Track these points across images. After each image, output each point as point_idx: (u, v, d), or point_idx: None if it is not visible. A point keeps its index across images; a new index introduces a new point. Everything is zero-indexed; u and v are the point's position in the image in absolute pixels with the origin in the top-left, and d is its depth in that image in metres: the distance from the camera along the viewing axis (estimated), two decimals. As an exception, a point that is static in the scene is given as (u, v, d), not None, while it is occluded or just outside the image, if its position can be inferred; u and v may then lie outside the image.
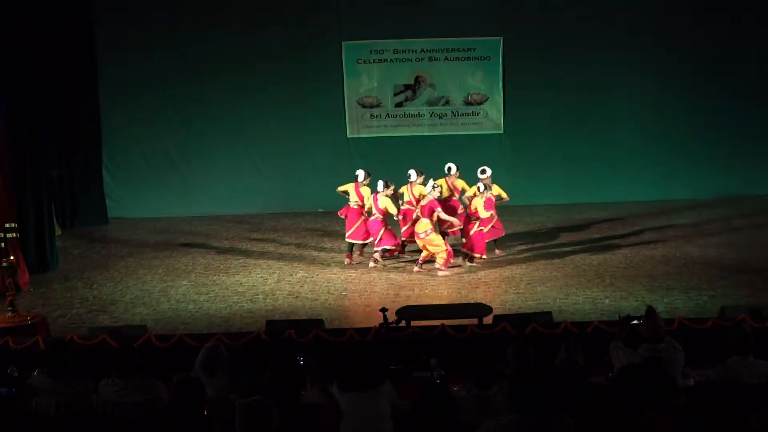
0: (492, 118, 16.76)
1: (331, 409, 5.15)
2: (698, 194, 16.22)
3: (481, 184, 11.89)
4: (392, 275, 11.64)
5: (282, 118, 16.48)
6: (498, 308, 9.21)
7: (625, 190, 16.42)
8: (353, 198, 12.24)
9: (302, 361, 5.54)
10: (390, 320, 7.98)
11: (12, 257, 9.63)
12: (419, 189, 11.94)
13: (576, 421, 4.36)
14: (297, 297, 10.76)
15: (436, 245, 11.45)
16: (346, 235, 12.34)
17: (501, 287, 10.92)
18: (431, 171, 12.23)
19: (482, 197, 11.70)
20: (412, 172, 12.14)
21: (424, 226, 11.44)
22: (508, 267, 11.76)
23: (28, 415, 5.37)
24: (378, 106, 16.76)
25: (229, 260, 12.80)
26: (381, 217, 11.84)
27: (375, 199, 11.84)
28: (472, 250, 11.79)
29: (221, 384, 5.43)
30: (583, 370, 5.87)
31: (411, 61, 16.66)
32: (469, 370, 5.40)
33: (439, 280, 11.24)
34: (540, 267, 11.84)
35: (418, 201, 11.79)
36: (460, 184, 12.47)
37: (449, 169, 12.41)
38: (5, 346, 7.91)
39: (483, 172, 12.13)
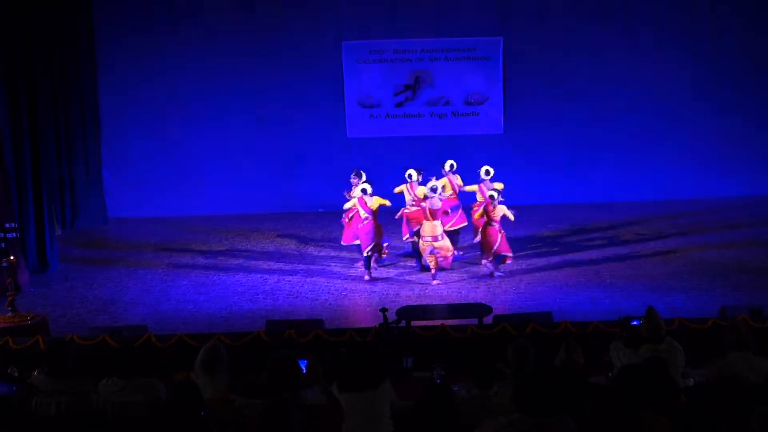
0: (492, 118, 16.76)
1: (333, 410, 5.15)
2: (698, 194, 16.21)
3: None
4: (392, 275, 11.64)
5: (282, 117, 16.47)
6: (498, 308, 9.21)
7: (625, 190, 16.41)
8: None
9: (307, 362, 5.54)
10: (390, 320, 7.99)
11: (12, 257, 9.63)
12: (422, 190, 11.63)
13: (576, 421, 4.36)
14: (297, 297, 10.77)
15: (447, 247, 11.33)
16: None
17: (501, 287, 10.92)
18: (431, 171, 12.21)
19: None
20: (413, 172, 12.05)
21: (438, 229, 11.17)
22: (508, 267, 11.75)
23: (28, 415, 5.37)
24: (378, 106, 16.76)
25: (229, 260, 12.80)
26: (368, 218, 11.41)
27: (362, 203, 11.38)
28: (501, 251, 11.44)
29: (221, 384, 5.42)
30: (583, 370, 5.87)
31: (411, 61, 16.65)
32: (469, 370, 5.40)
33: (439, 280, 11.23)
34: (540, 267, 11.85)
35: (420, 201, 11.58)
36: (458, 180, 12.44)
37: (451, 166, 12.34)
38: (5, 346, 7.92)
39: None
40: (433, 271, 11.22)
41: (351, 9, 16.21)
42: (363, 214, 11.34)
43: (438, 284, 11.07)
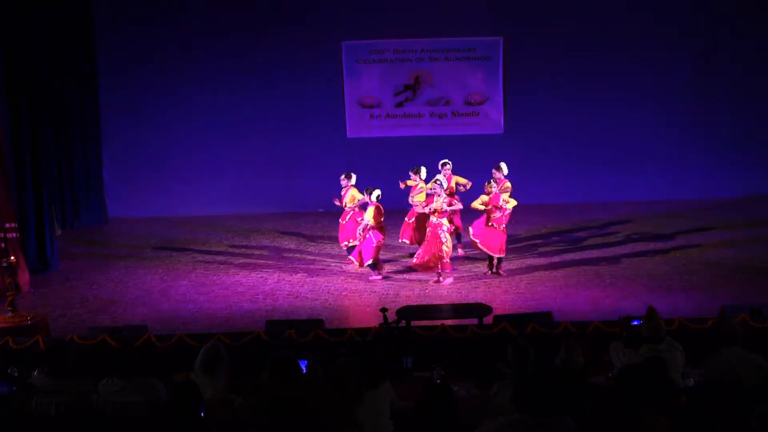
0: (492, 118, 16.76)
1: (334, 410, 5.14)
2: (698, 194, 16.21)
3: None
4: (392, 275, 11.64)
5: (282, 117, 16.49)
6: (498, 308, 9.21)
7: (625, 190, 16.42)
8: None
9: (307, 362, 5.55)
10: (390, 320, 7.99)
11: (12, 257, 9.63)
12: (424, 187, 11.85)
13: (576, 421, 4.36)
14: (297, 297, 10.77)
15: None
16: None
17: (501, 287, 10.92)
18: (431, 171, 12.21)
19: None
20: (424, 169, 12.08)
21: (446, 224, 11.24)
22: (508, 267, 11.75)
23: (28, 415, 5.36)
24: (378, 106, 16.76)
25: (229, 260, 12.80)
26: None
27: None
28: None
29: (221, 384, 5.42)
30: (583, 370, 5.87)
31: (411, 61, 16.66)
32: (469, 370, 5.40)
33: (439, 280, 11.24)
34: (540, 267, 11.85)
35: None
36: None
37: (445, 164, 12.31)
38: (5, 346, 7.93)
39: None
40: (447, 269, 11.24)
41: (351, 9, 16.22)
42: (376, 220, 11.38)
43: (439, 284, 11.07)
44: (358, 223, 11.61)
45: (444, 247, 10.98)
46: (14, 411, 5.41)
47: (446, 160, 12.27)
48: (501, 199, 11.30)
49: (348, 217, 11.90)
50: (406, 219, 12.22)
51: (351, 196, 11.87)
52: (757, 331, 7.64)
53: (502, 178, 11.68)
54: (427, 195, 11.61)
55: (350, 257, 12.00)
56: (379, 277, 11.40)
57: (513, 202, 11.41)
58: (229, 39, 16.15)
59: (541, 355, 5.86)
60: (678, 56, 16.22)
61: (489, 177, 11.68)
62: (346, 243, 12.03)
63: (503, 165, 11.77)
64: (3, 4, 11.70)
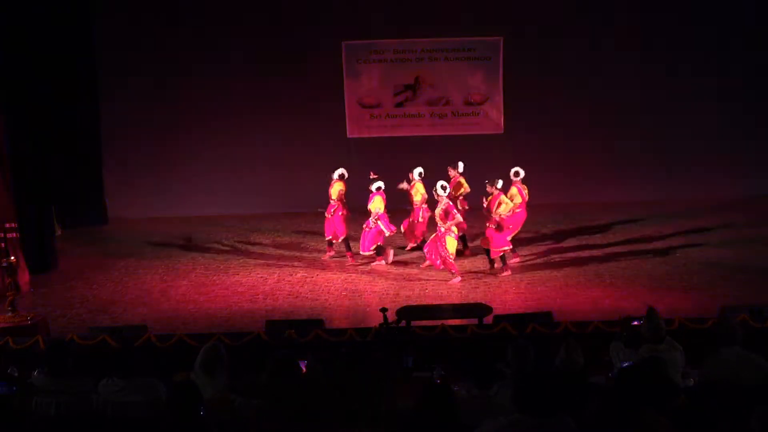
0: (492, 118, 16.76)
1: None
2: (698, 194, 16.21)
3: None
4: (392, 275, 11.65)
5: (282, 118, 16.48)
6: (498, 308, 9.21)
7: (625, 190, 16.41)
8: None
9: (307, 362, 5.55)
10: (390, 320, 7.99)
11: (12, 257, 9.63)
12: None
13: (576, 421, 4.35)
14: (297, 297, 10.78)
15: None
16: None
17: (501, 287, 10.92)
18: (431, 171, 12.21)
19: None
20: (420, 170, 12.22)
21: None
22: (509, 267, 11.75)
23: (28, 415, 5.36)
24: (378, 106, 16.75)
25: (229, 260, 12.80)
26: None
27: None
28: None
29: (221, 384, 5.42)
30: (583, 370, 5.87)
31: (411, 61, 16.65)
32: (469, 370, 5.40)
33: (439, 280, 11.24)
34: (540, 267, 11.85)
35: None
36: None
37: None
38: (5, 346, 7.94)
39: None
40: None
41: (351, 9, 16.21)
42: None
43: (439, 284, 11.08)
44: (341, 218, 12.05)
45: (448, 251, 11.05)
46: (14, 411, 5.40)
47: (458, 162, 12.41)
48: (500, 199, 11.34)
49: (333, 210, 12.18)
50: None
51: (335, 189, 12.23)
52: (757, 331, 7.64)
53: (515, 180, 11.92)
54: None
55: (347, 253, 12.21)
56: (384, 263, 11.54)
57: (511, 204, 11.47)
58: (230, 38, 16.14)
59: (541, 355, 5.86)
60: (678, 57, 16.20)
61: (489, 177, 11.71)
62: (330, 237, 12.38)
63: (520, 170, 12.08)
64: (3, 4, 11.70)
